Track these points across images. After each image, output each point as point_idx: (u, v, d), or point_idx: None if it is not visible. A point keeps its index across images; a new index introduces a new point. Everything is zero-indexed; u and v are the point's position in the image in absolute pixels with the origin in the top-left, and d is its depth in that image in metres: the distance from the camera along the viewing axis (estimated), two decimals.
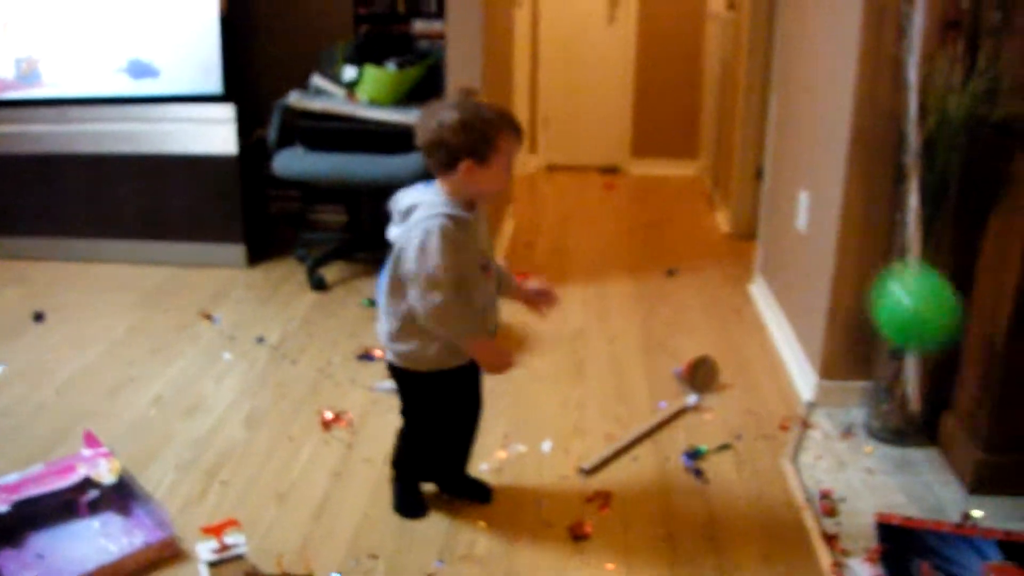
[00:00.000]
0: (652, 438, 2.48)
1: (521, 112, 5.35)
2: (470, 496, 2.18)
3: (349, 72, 3.62)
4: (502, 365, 1.95)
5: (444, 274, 1.79)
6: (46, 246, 3.87)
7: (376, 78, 3.53)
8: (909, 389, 2.34)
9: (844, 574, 1.91)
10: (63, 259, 3.85)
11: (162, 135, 3.67)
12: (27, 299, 3.45)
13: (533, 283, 2.09)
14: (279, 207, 4.20)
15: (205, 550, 1.85)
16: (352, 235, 4.02)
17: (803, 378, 2.75)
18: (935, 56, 2.20)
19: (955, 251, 2.28)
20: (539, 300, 2.09)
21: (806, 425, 2.54)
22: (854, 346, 2.56)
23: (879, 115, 2.35)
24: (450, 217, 1.81)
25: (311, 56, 3.80)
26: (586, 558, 1.98)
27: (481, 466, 2.30)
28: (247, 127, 3.71)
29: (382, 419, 2.54)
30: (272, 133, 3.55)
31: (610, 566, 1.95)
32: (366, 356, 2.95)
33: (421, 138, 1.83)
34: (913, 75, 2.20)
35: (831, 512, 2.12)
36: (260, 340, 3.09)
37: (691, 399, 2.67)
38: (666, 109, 5.70)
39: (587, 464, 2.32)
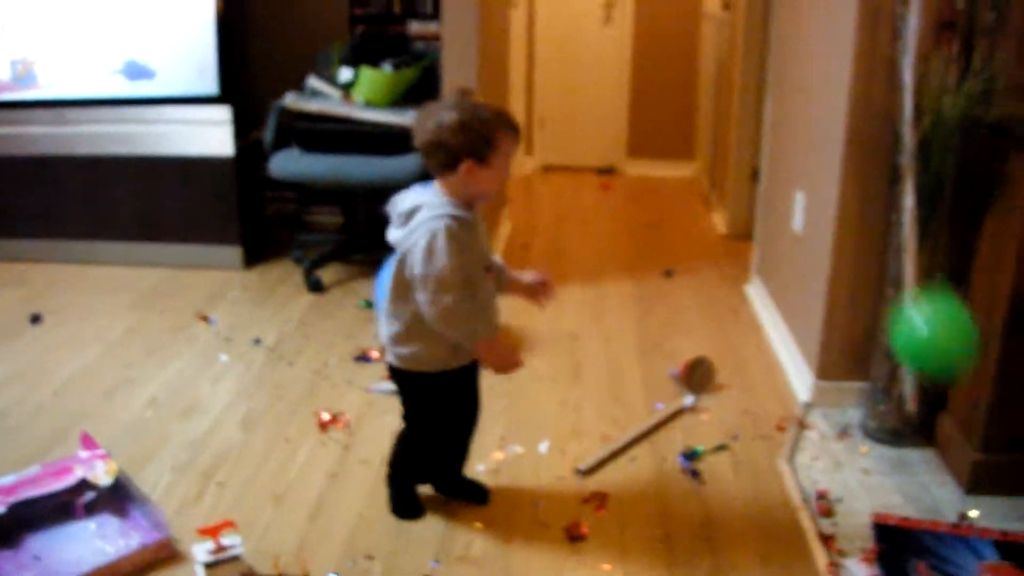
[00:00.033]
0: (649, 439, 2.48)
1: (517, 113, 5.35)
2: (467, 497, 2.17)
3: (345, 73, 3.62)
4: (510, 365, 1.94)
5: (452, 275, 1.78)
6: (43, 248, 3.86)
7: (372, 79, 3.53)
8: (905, 389, 2.34)
9: (840, 574, 1.92)
10: (60, 261, 3.84)
11: (158, 137, 3.67)
12: (24, 301, 3.45)
13: (529, 275, 2.08)
14: (275, 209, 4.20)
15: (201, 551, 1.85)
16: (348, 236, 4.02)
17: (800, 379, 2.75)
18: (930, 57, 2.20)
19: (950, 252, 2.28)
20: (537, 291, 2.08)
21: (803, 425, 2.54)
22: (850, 347, 2.56)
23: (874, 116, 2.36)
24: (454, 218, 1.80)
25: (307, 57, 3.80)
26: (582, 559, 1.98)
27: (478, 467, 2.30)
28: (243, 129, 3.71)
29: (379, 420, 2.54)
30: (268, 135, 3.55)
31: (606, 567, 1.95)
32: (363, 357, 2.95)
33: (419, 139, 1.83)
34: (908, 76, 2.20)
35: (828, 512, 2.13)
36: (256, 342, 3.09)
37: (688, 400, 2.67)
38: (662, 110, 5.70)
39: (584, 465, 2.32)
